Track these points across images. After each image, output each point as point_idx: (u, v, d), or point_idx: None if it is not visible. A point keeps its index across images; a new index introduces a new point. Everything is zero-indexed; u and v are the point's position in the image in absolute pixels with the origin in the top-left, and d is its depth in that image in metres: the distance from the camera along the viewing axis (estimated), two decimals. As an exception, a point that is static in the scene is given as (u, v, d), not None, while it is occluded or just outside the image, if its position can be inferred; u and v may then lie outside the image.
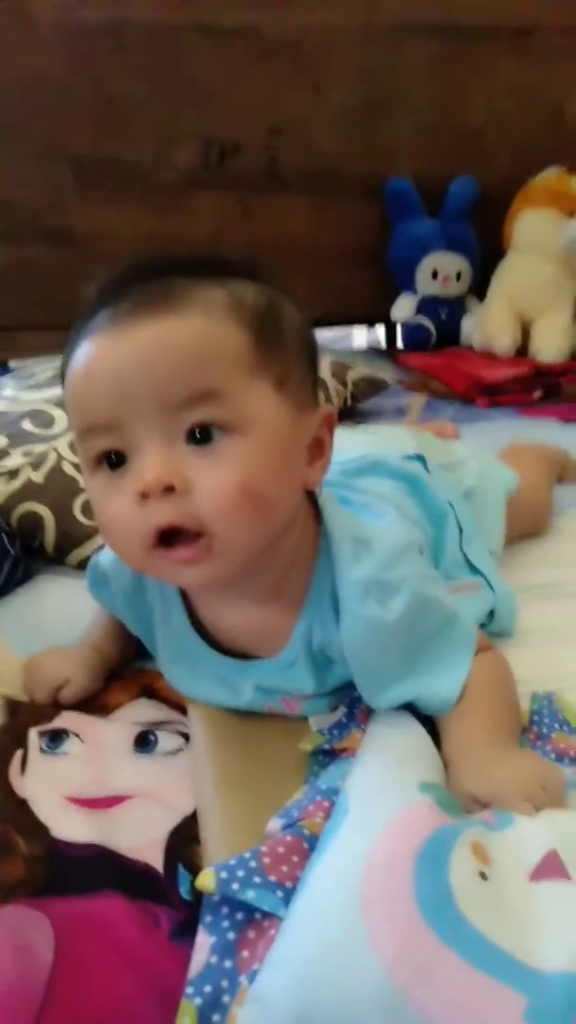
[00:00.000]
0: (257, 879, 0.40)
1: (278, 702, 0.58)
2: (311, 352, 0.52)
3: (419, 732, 0.52)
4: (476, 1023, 0.32)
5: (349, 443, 0.83)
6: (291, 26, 1.55)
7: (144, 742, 0.58)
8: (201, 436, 0.45)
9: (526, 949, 0.35)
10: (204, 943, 0.39)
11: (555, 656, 0.65)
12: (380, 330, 1.86)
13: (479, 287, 1.68)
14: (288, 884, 0.40)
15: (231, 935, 0.39)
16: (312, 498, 0.56)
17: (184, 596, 0.58)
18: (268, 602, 0.54)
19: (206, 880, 0.40)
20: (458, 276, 1.66)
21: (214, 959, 0.39)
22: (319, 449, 0.51)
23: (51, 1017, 0.39)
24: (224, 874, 0.40)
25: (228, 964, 0.38)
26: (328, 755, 0.53)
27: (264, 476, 0.46)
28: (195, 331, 0.45)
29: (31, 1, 1.46)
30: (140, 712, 0.61)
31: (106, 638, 0.65)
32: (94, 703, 0.62)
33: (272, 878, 0.40)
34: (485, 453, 0.87)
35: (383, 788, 0.45)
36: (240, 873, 0.41)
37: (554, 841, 0.41)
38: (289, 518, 0.51)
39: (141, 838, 0.49)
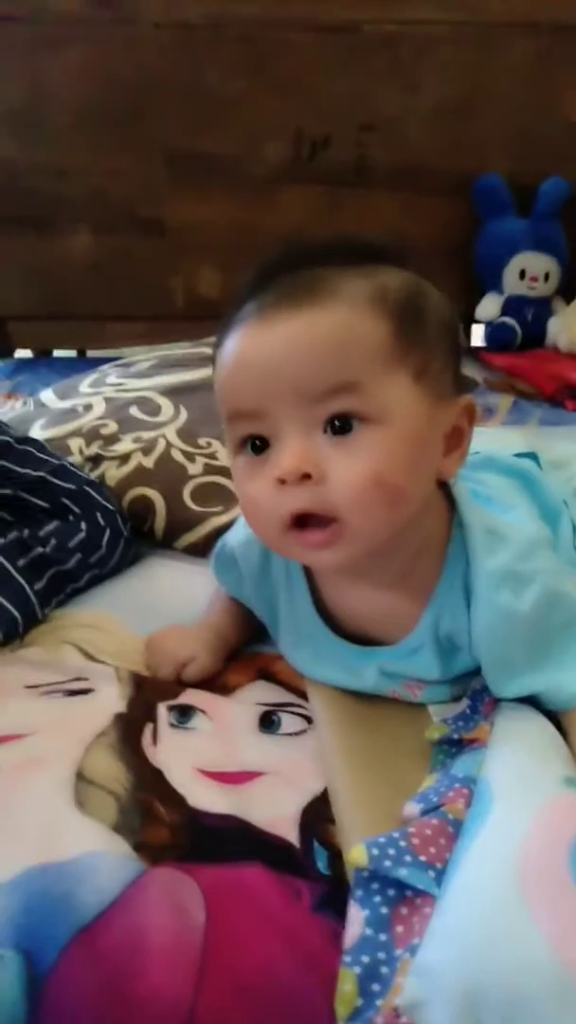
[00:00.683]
0: (408, 858, 0.42)
1: (400, 686, 0.59)
2: (454, 341, 0.52)
3: (549, 727, 0.52)
4: None
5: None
6: (391, 22, 1.55)
7: (268, 722, 0.60)
8: (339, 426, 0.47)
9: None
10: (357, 916, 0.41)
11: None
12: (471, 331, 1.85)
13: (567, 289, 1.66)
14: (438, 865, 0.42)
15: (384, 910, 0.41)
16: (444, 487, 0.57)
17: (310, 580, 0.60)
18: (395, 588, 0.56)
19: (359, 856, 0.42)
20: (546, 277, 1.64)
21: (368, 931, 0.40)
22: (457, 439, 0.52)
23: (210, 974, 0.41)
24: (376, 851, 0.42)
25: (383, 937, 0.40)
26: (454, 744, 0.54)
27: (398, 467, 0.47)
28: (337, 324, 0.46)
29: (136, -1, 1.49)
30: (260, 694, 0.63)
31: (227, 621, 0.67)
32: (214, 683, 0.64)
33: (422, 858, 0.42)
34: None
35: (528, 779, 0.46)
36: (391, 851, 0.42)
37: None
38: (421, 507, 0.52)
39: (275, 813, 0.51)
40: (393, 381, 0.47)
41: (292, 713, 0.61)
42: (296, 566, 0.60)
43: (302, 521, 0.48)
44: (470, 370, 1.42)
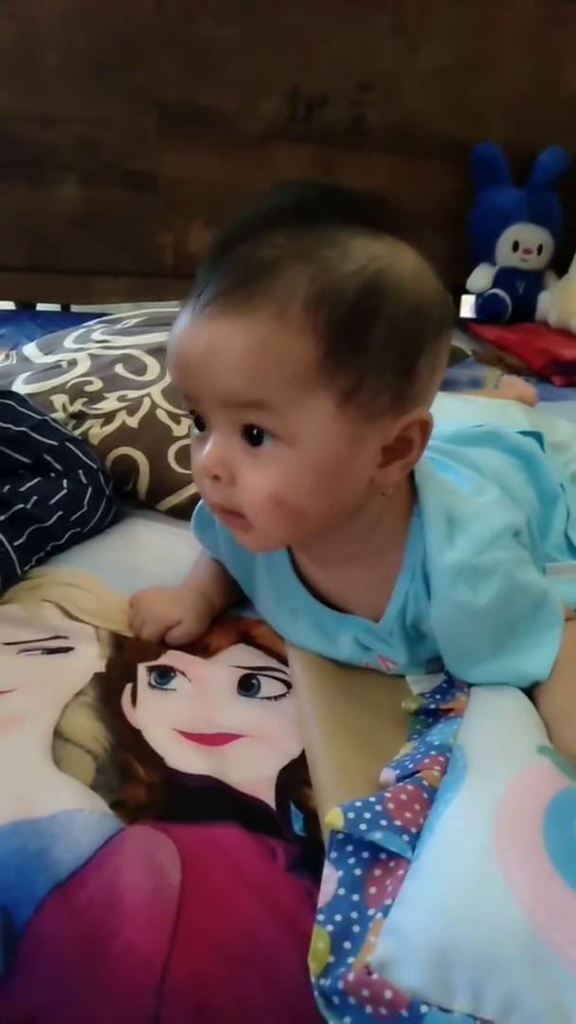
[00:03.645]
0: (383, 822, 0.42)
1: (375, 659, 0.59)
2: (412, 348, 0.46)
3: (522, 697, 0.53)
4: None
5: (460, 411, 0.84)
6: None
7: (247, 685, 0.60)
8: (252, 436, 0.46)
9: None
10: (331, 876, 0.41)
11: None
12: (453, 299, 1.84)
13: (560, 262, 1.65)
14: (412, 829, 0.42)
15: (357, 871, 0.41)
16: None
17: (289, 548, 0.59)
18: (353, 569, 0.56)
19: (335, 819, 0.42)
20: (539, 249, 1.63)
21: (342, 891, 0.41)
22: (403, 449, 0.49)
23: (185, 931, 0.41)
24: (352, 814, 0.42)
25: (356, 897, 0.40)
26: (431, 715, 0.55)
27: (299, 491, 0.46)
28: (256, 339, 0.43)
29: None
30: (240, 657, 0.63)
31: (212, 584, 0.67)
32: (195, 645, 0.64)
33: (397, 822, 0.42)
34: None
35: (502, 748, 0.46)
36: (367, 815, 0.42)
37: None
38: (346, 510, 0.50)
39: (252, 775, 0.52)
40: (309, 405, 0.44)
41: (272, 677, 0.61)
42: None
43: (223, 510, 0.50)
44: (459, 341, 1.41)
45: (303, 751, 0.53)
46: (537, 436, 0.74)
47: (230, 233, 0.46)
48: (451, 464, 0.63)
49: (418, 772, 0.46)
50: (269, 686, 0.60)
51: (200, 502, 0.65)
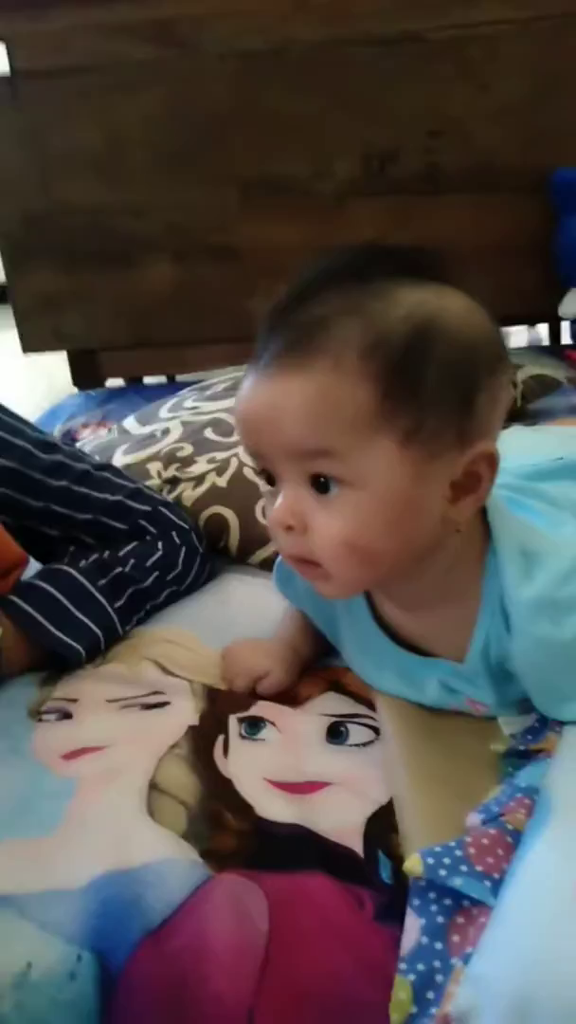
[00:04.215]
0: (464, 867, 0.42)
1: (463, 702, 0.58)
2: (468, 385, 0.48)
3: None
4: None
5: (538, 444, 0.83)
6: (453, 27, 1.55)
7: (336, 733, 0.61)
8: (320, 484, 0.48)
9: None
10: (414, 924, 0.41)
11: None
12: (544, 328, 1.81)
13: None
14: (495, 875, 0.41)
15: (440, 919, 0.41)
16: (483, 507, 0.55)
17: (368, 591, 0.60)
18: (434, 610, 0.56)
19: (414, 865, 0.42)
20: (631, 267, 1.58)
21: (424, 940, 0.40)
22: (473, 484, 0.49)
23: (272, 979, 0.42)
24: (431, 860, 0.42)
25: (439, 946, 0.40)
26: (522, 756, 0.53)
27: (371, 533, 0.47)
28: (316, 390, 0.46)
29: (197, 35, 1.55)
30: (329, 705, 0.64)
31: (299, 635, 0.69)
32: (286, 695, 0.65)
33: (478, 868, 0.42)
34: None
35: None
36: (447, 860, 0.42)
37: None
38: (420, 550, 0.50)
39: (340, 823, 0.52)
40: (372, 447, 0.46)
41: (360, 724, 0.61)
42: None
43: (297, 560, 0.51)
44: (555, 369, 1.38)
45: (391, 798, 0.53)
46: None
47: (284, 299, 0.49)
48: (526, 501, 0.62)
49: (503, 815, 0.45)
50: (358, 733, 0.61)
51: (279, 557, 0.67)
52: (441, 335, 0.47)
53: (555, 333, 1.78)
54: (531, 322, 1.86)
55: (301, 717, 0.63)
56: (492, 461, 0.49)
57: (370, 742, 0.60)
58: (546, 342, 1.81)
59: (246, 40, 1.56)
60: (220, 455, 0.94)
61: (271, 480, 0.51)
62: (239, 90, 1.59)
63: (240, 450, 0.95)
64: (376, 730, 0.60)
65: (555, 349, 1.68)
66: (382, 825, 0.51)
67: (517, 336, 1.99)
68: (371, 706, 0.63)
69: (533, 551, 0.53)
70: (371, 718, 0.61)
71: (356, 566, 0.49)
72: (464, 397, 0.48)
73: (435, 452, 0.47)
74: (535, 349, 1.75)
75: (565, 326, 1.71)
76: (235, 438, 0.98)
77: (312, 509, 0.48)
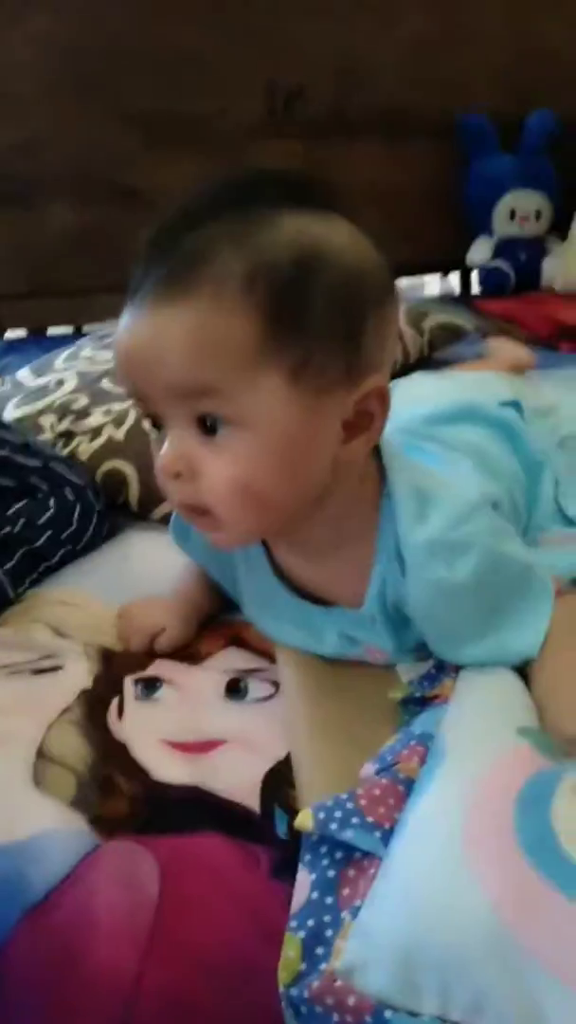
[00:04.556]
0: (355, 820, 0.41)
1: (362, 651, 0.58)
2: (355, 316, 0.46)
3: (511, 678, 0.51)
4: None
5: (438, 389, 0.82)
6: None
7: (235, 689, 0.59)
8: (207, 426, 0.45)
9: None
10: (304, 880, 0.40)
11: None
12: (455, 277, 1.80)
13: (561, 226, 1.60)
14: (386, 825, 0.41)
15: (331, 872, 0.40)
16: (376, 449, 0.54)
17: (265, 542, 0.58)
18: (330, 557, 0.54)
19: (305, 820, 0.41)
20: (538, 215, 1.59)
21: (315, 895, 0.39)
22: (365, 422, 0.47)
23: (161, 945, 0.40)
24: (322, 815, 0.41)
25: (329, 900, 0.39)
26: (419, 703, 0.53)
27: (263, 475, 0.45)
28: (197, 324, 0.43)
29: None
30: (230, 660, 0.62)
31: (197, 589, 0.67)
32: (185, 652, 0.63)
33: (370, 819, 0.41)
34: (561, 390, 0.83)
35: (480, 733, 0.44)
36: (338, 814, 0.41)
37: None
38: (315, 490, 0.49)
39: (237, 781, 0.51)
40: (258, 385, 0.44)
41: (261, 679, 0.60)
42: None
43: (188, 509, 0.49)
44: (463, 318, 1.38)
45: (289, 753, 0.52)
46: (516, 405, 0.72)
47: (162, 228, 0.46)
48: (422, 444, 0.61)
49: (396, 764, 0.45)
50: (258, 688, 0.59)
51: (174, 511, 0.65)
52: (326, 263, 0.44)
53: (466, 282, 1.78)
54: (443, 270, 1.85)
55: (200, 674, 0.61)
56: (383, 397, 0.48)
57: (270, 696, 0.58)
58: (458, 291, 1.81)
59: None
60: (117, 406, 0.90)
61: (156, 423, 0.48)
62: (138, 20, 1.49)
63: (139, 401, 0.91)
64: (276, 684, 0.59)
65: (464, 298, 1.68)
66: (279, 780, 0.50)
67: (430, 286, 1.98)
68: (272, 660, 0.61)
69: (427, 493, 0.52)
70: (272, 671, 0.60)
71: (249, 512, 0.47)
72: (351, 329, 0.46)
73: (324, 388, 0.45)
74: (444, 298, 1.74)
75: (475, 275, 1.71)
76: (134, 389, 0.94)
77: (200, 453, 0.45)
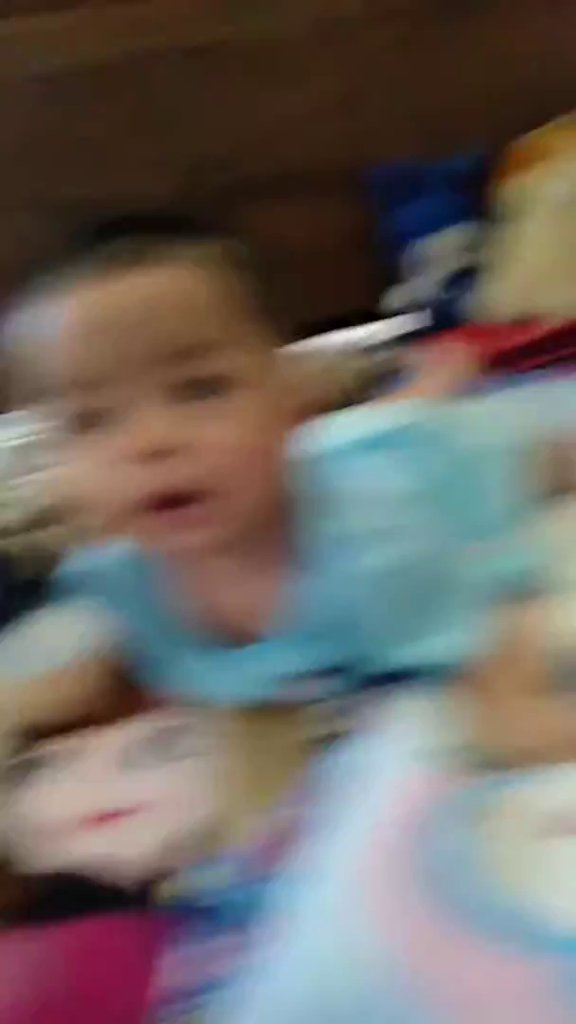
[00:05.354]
0: (238, 878, 0.36)
1: (280, 691, 0.54)
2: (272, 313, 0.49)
3: (431, 694, 0.47)
4: (495, 1004, 0.27)
5: (351, 425, 0.80)
6: (254, 32, 1.55)
7: (149, 752, 0.55)
8: (200, 391, 0.43)
9: (558, 908, 0.30)
10: (189, 954, 0.35)
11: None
12: (382, 325, 1.82)
13: (487, 257, 1.62)
14: (271, 878, 0.36)
15: (217, 939, 0.35)
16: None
17: (164, 588, 0.55)
18: (257, 566, 0.51)
19: (185, 887, 0.36)
20: (461, 250, 1.61)
21: (197, 972, 0.34)
22: (301, 408, 0.49)
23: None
24: (205, 876, 0.36)
25: (217, 970, 0.34)
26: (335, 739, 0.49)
27: (263, 428, 0.45)
28: (176, 283, 0.43)
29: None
30: (149, 723, 0.58)
31: (107, 650, 0.62)
32: (101, 720, 0.59)
33: (256, 874, 0.36)
34: (499, 404, 0.82)
35: (386, 758, 0.40)
36: (222, 872, 0.36)
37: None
38: (279, 481, 0.48)
39: (137, 851, 0.46)
40: (249, 340, 0.45)
41: (181, 736, 0.56)
42: (144, 579, 0.55)
43: (161, 503, 0.44)
44: (389, 359, 1.38)
45: (200, 814, 0.48)
46: (429, 423, 0.70)
47: (82, 238, 0.47)
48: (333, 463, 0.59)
49: (294, 807, 0.40)
50: (176, 747, 0.55)
51: (64, 574, 0.61)
52: (250, 267, 0.47)
53: (396, 326, 1.79)
54: (371, 319, 1.86)
55: (113, 742, 0.56)
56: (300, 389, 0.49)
57: (189, 754, 0.54)
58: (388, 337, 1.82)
59: (45, 61, 1.51)
60: None
61: (93, 422, 0.44)
62: (42, 113, 1.54)
63: None
64: (196, 740, 0.54)
65: (395, 341, 1.69)
66: (186, 845, 0.46)
67: (355, 335, 1.99)
68: (195, 715, 0.57)
69: (342, 492, 0.51)
70: (191, 728, 0.56)
71: (255, 471, 0.45)
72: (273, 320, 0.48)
73: (279, 359, 0.47)
74: (379, 345, 1.75)
75: (404, 319, 1.73)
76: None
77: (190, 425, 0.43)
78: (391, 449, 0.68)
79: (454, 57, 1.61)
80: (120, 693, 0.62)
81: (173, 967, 0.37)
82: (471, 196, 1.61)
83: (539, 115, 1.58)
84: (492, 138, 1.59)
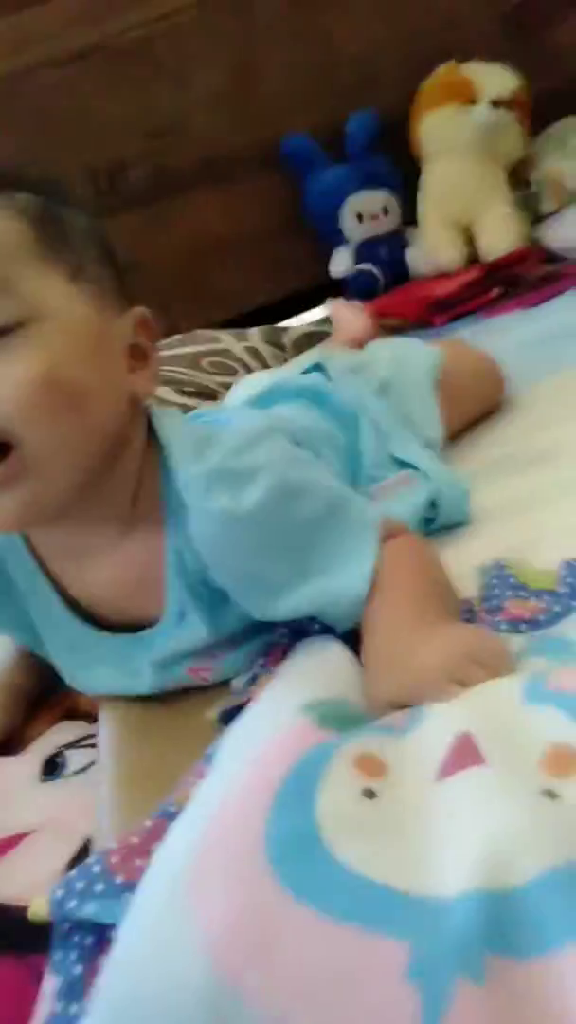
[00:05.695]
0: (100, 887, 0.30)
1: (184, 674, 0.48)
2: (106, 252, 0.46)
3: (324, 648, 0.41)
4: (336, 998, 0.21)
5: (248, 386, 0.76)
6: (134, 27, 1.51)
7: (52, 768, 0.49)
8: None
9: (418, 875, 0.24)
10: (49, 989, 0.29)
11: (513, 529, 0.53)
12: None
13: (412, 214, 1.57)
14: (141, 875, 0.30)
15: (78, 969, 0.29)
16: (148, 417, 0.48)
17: (49, 574, 0.49)
18: (127, 543, 0.46)
19: (38, 909, 0.31)
20: (385, 211, 1.55)
21: (59, 1006, 0.29)
22: (142, 356, 0.45)
23: None
24: (60, 892, 0.31)
25: (75, 1009, 0.28)
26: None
27: (70, 363, 0.40)
28: None
29: None
30: (56, 737, 0.53)
31: (15, 667, 0.57)
32: (11, 739, 0.54)
33: (119, 879, 0.30)
34: (404, 341, 0.77)
35: (255, 725, 0.34)
36: (80, 885, 0.31)
37: (469, 722, 0.29)
38: (118, 427, 0.43)
39: (35, 878, 0.40)
40: (45, 277, 0.41)
41: (83, 747, 0.50)
42: (35, 565, 0.49)
43: None
44: (325, 325, 1.33)
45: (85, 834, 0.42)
46: (318, 367, 0.65)
47: None
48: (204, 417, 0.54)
49: (174, 800, 0.34)
50: (78, 759, 0.49)
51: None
52: (65, 209, 0.45)
53: (340, 294, 1.73)
54: (314, 291, 1.81)
55: (12, 765, 0.51)
56: (149, 327, 0.46)
57: (90, 764, 0.48)
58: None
59: None
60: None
61: None
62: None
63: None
64: (93, 750, 0.49)
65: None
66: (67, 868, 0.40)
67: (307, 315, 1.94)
68: (97, 717, 0.51)
69: (204, 436, 0.46)
70: (89, 737, 0.50)
71: (64, 412, 0.39)
72: (106, 255, 0.46)
73: (103, 301, 0.44)
74: (321, 321, 1.70)
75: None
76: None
77: None
78: (286, 401, 0.63)
79: (341, 20, 1.57)
80: (39, 707, 0.56)
81: (43, 999, 0.31)
82: (391, 154, 1.56)
83: (425, 65, 1.53)
84: (394, 91, 1.54)
